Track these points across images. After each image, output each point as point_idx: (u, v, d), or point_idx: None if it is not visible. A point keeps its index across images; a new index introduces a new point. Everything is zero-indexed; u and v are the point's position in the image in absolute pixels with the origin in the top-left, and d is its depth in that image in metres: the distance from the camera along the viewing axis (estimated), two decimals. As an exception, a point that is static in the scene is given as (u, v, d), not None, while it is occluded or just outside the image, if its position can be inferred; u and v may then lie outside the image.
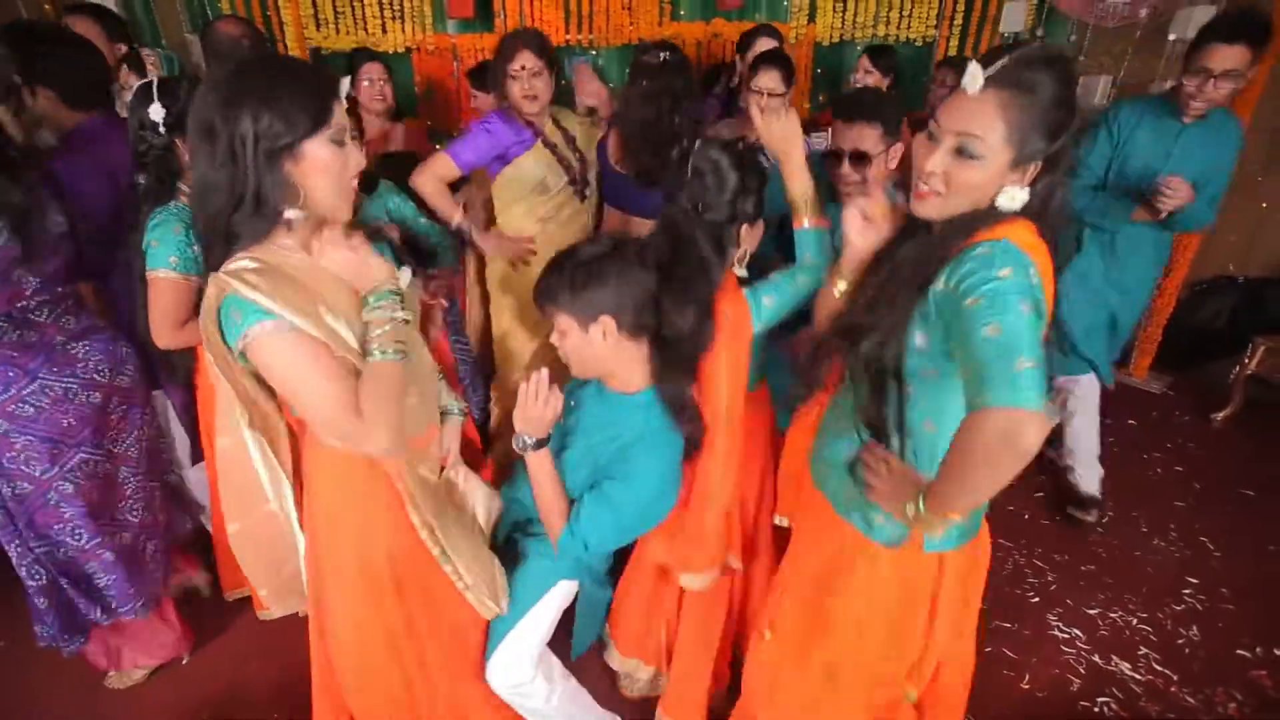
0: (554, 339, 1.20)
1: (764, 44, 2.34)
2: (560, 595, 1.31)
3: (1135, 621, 1.93)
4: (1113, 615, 1.95)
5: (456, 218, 1.91)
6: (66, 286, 1.45)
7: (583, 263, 1.15)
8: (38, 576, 1.48)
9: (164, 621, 1.73)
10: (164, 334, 1.45)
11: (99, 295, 1.85)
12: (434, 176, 1.88)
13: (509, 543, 1.38)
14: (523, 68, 1.81)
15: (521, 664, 1.28)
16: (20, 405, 1.38)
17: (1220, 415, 2.87)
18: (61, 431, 1.43)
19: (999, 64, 0.82)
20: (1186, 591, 2.03)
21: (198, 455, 1.90)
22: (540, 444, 1.20)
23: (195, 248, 1.39)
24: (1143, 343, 3.17)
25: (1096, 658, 1.83)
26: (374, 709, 1.25)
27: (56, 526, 1.48)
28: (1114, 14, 2.72)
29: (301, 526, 1.17)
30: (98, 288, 1.83)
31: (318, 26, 3.11)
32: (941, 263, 0.87)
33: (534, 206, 1.99)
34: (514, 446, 1.22)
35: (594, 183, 2.09)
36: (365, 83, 2.35)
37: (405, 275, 1.15)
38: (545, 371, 1.18)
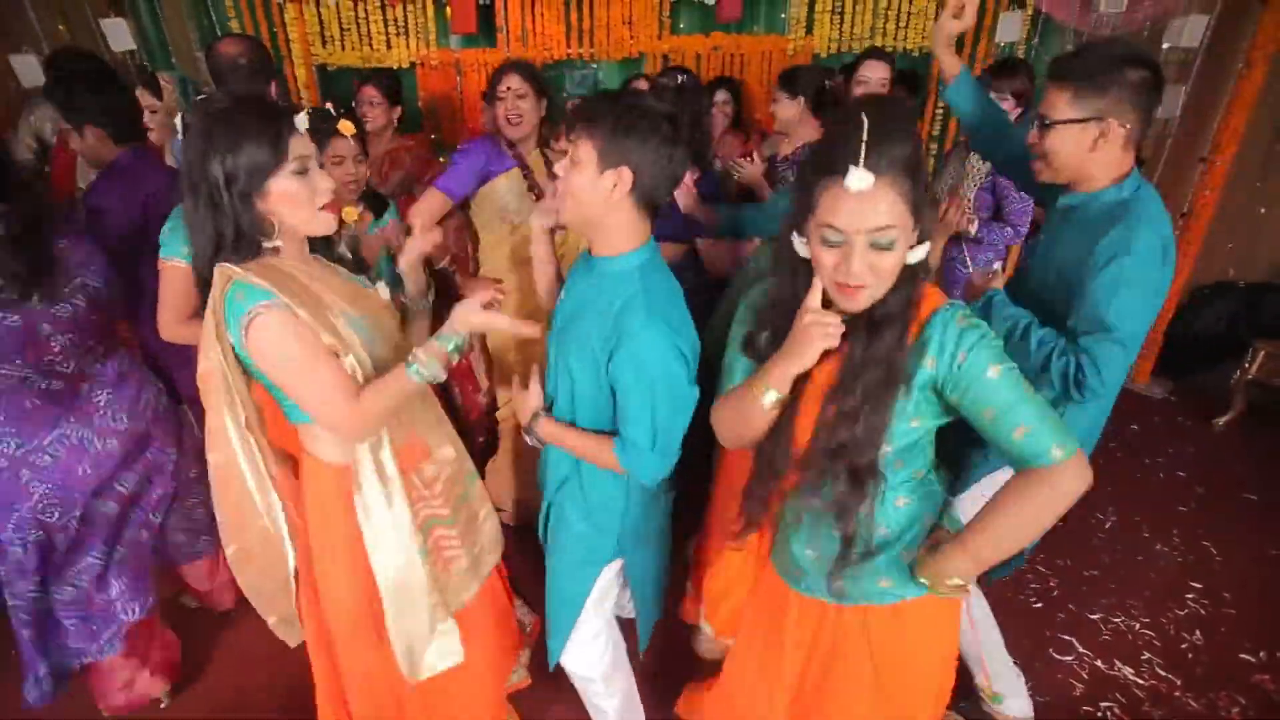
0: (560, 167, 1.09)
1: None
2: (607, 580, 1.30)
3: (1138, 626, 1.93)
4: (1115, 620, 1.95)
5: (443, 261, 1.97)
6: (98, 335, 1.47)
7: (641, 110, 1.05)
8: (27, 624, 1.49)
9: (133, 658, 1.66)
10: (169, 326, 1.46)
11: (130, 325, 1.90)
12: (427, 213, 1.93)
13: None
14: (508, 89, 1.86)
15: (590, 654, 1.35)
16: (41, 455, 1.40)
17: (1222, 420, 2.87)
18: (77, 480, 1.45)
19: (873, 158, 0.82)
20: (1189, 596, 2.03)
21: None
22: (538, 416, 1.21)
23: None
24: (1144, 348, 3.18)
25: (1099, 663, 1.82)
26: (363, 674, 1.29)
27: (67, 571, 1.51)
28: (1108, 23, 2.75)
29: (292, 541, 1.20)
30: (128, 318, 1.88)
31: (324, 44, 3.17)
32: (904, 357, 0.90)
33: (502, 236, 2.02)
34: (528, 443, 1.24)
35: None
36: (360, 102, 2.41)
37: (383, 291, 1.22)
38: (534, 368, 1.23)
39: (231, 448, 1.10)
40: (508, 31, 3.11)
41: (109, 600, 1.56)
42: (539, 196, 2.00)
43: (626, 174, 1.04)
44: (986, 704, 1.62)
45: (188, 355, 1.58)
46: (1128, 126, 1.19)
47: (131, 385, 1.53)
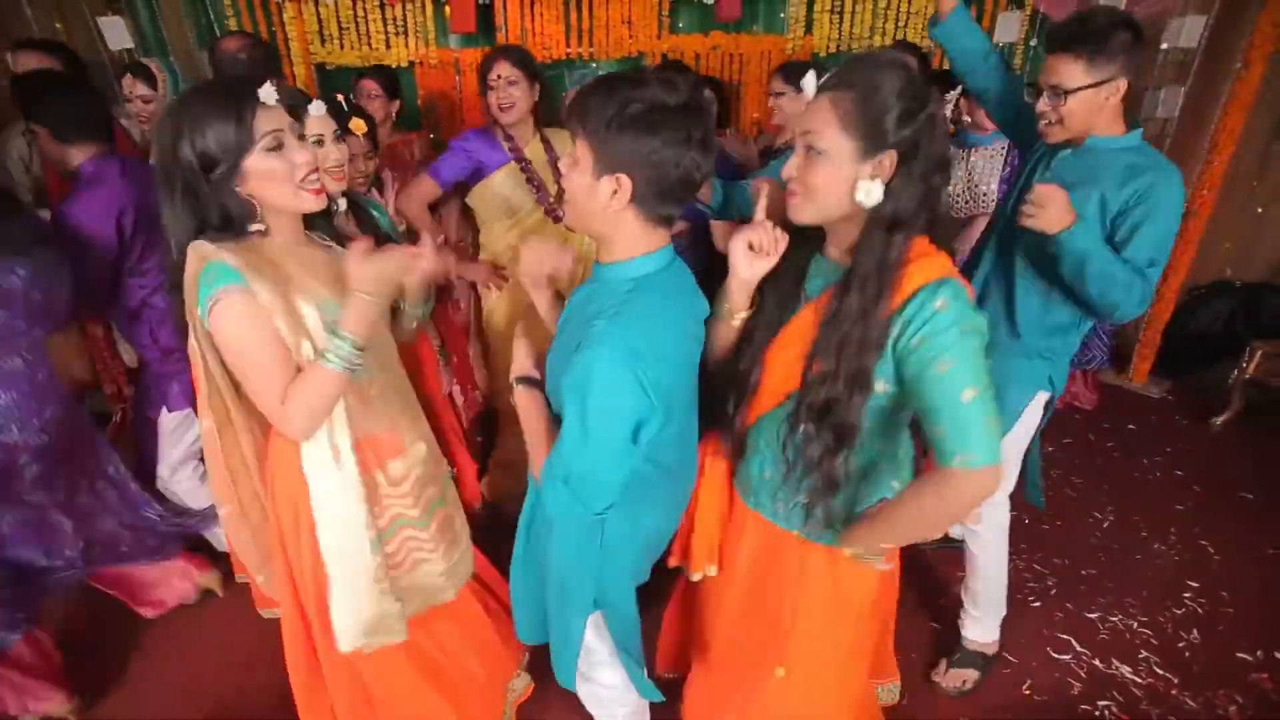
0: (563, 163, 0.97)
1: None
2: (592, 633, 1.18)
3: (1136, 625, 1.94)
4: (1113, 619, 1.96)
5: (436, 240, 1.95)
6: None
7: (644, 102, 0.87)
8: None
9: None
10: None
11: (108, 330, 1.90)
12: (418, 197, 1.93)
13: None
14: (499, 77, 1.86)
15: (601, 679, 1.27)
16: (40, 435, 1.41)
17: (1219, 419, 2.88)
18: (64, 457, 1.47)
19: (831, 78, 0.91)
20: (1187, 595, 2.04)
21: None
22: (529, 382, 1.07)
23: None
24: (1142, 347, 3.18)
25: (1097, 661, 1.83)
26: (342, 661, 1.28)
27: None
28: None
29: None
30: (106, 323, 1.88)
31: (322, 42, 3.16)
32: (886, 320, 0.90)
33: (506, 228, 2.02)
34: (512, 402, 1.13)
35: None
36: (360, 96, 2.40)
37: None
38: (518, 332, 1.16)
39: (217, 414, 1.14)
40: (507, 31, 3.10)
41: None
42: (539, 188, 1.99)
43: (626, 182, 0.89)
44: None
45: (186, 365, 1.60)
46: (1128, 81, 1.33)
47: (23, 384, 1.44)
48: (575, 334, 0.96)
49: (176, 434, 1.88)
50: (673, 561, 1.29)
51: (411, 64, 3.18)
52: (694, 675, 1.44)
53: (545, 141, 1.99)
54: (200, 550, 2.00)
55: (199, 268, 1.00)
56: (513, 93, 1.86)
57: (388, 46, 3.15)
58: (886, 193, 0.88)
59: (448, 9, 3.07)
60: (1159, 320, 3.11)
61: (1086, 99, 1.32)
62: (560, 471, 0.93)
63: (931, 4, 3.15)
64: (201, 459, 1.92)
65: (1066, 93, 1.32)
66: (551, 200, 1.98)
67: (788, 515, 1.10)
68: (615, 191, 0.90)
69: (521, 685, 1.60)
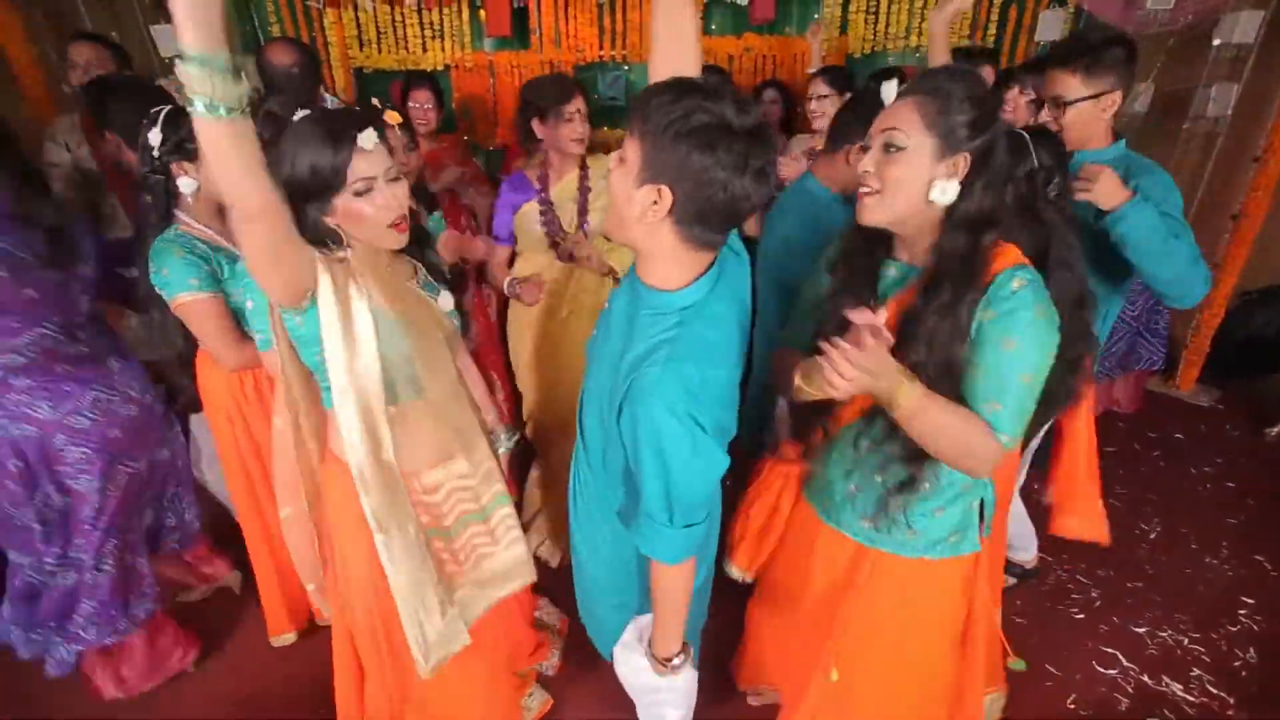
0: (613, 160, 0.91)
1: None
2: (644, 628, 1.17)
3: (1187, 641, 1.87)
4: (1162, 634, 1.89)
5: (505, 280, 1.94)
6: (98, 308, 1.54)
7: (707, 117, 0.81)
8: (58, 585, 1.52)
9: (159, 637, 1.72)
10: (227, 354, 1.47)
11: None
12: (498, 267, 1.96)
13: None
14: (578, 111, 1.80)
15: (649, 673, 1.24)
16: (77, 418, 1.43)
17: (1274, 430, 2.76)
18: (110, 443, 1.49)
19: (910, 84, 0.97)
20: (1242, 612, 1.96)
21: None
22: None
23: (208, 267, 1.43)
24: (1190, 353, 3.08)
25: (1146, 678, 1.76)
26: (375, 668, 1.29)
27: (78, 541, 1.52)
28: (1153, 21, 2.67)
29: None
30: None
31: (360, 47, 3.23)
32: (965, 311, 0.93)
33: (546, 259, 1.97)
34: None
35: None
36: (414, 105, 2.44)
37: (445, 301, 1.22)
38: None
39: (291, 414, 1.15)
40: (541, 34, 3.14)
41: (76, 617, 1.56)
42: (550, 226, 1.91)
43: (667, 194, 0.84)
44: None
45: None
46: (1121, 93, 1.42)
47: (134, 363, 1.58)
48: (613, 360, 0.96)
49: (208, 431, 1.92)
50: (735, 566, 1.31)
51: (447, 67, 3.23)
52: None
53: (584, 170, 1.93)
54: (226, 551, 2.02)
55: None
56: (586, 128, 1.83)
57: (424, 50, 3.20)
58: (961, 192, 0.92)
59: (483, 13, 3.11)
60: (1208, 326, 3.00)
61: (1084, 110, 1.43)
62: (660, 516, 0.94)
63: (968, 5, 3.09)
64: None
65: (1066, 104, 1.43)
66: (560, 238, 1.92)
67: (862, 528, 1.12)
68: (655, 203, 0.85)
69: (538, 703, 1.59)
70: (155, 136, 1.41)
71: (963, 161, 0.91)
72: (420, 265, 1.24)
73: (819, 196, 1.55)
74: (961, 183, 0.92)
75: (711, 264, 0.94)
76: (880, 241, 1.04)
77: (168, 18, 2.75)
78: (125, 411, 1.51)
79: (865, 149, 0.98)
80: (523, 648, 1.58)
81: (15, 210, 1.31)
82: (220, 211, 1.51)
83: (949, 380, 0.94)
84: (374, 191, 1.04)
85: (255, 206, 0.86)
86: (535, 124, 1.83)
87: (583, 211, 1.90)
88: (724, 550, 1.31)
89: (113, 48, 2.19)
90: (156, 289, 1.43)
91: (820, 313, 1.08)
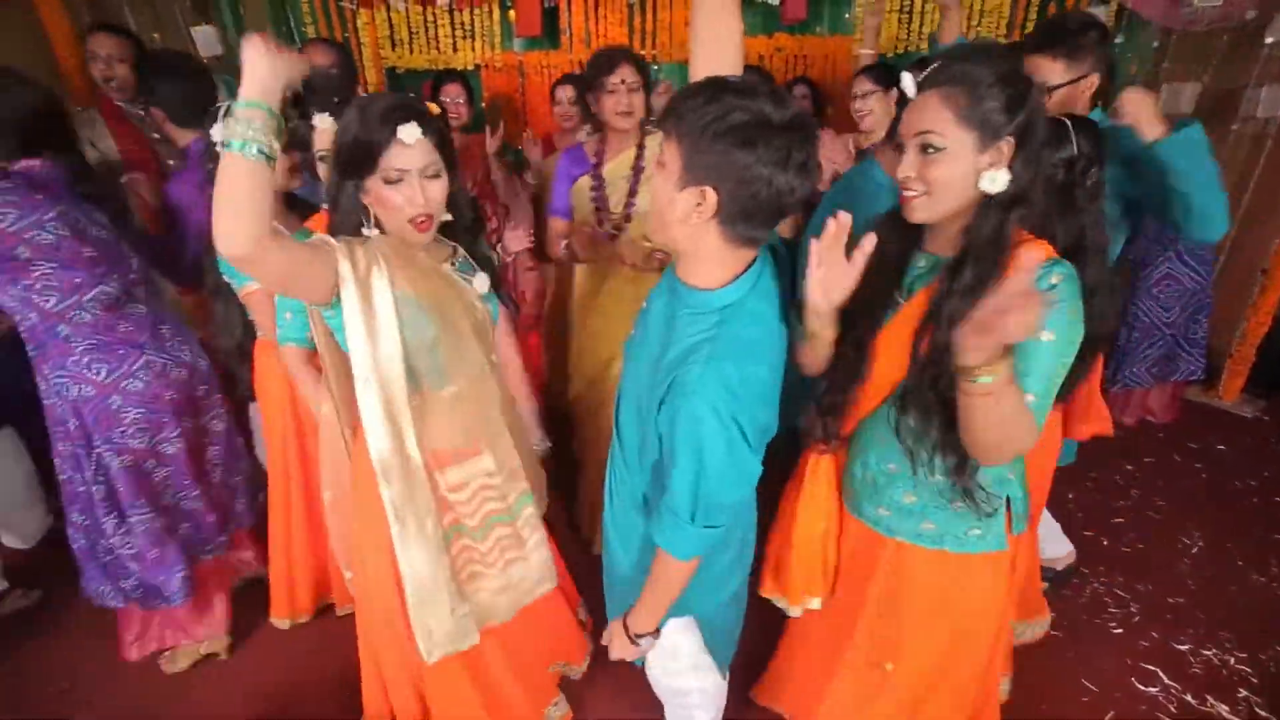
0: (653, 166, 0.91)
1: None
2: (680, 624, 1.18)
3: (1233, 661, 1.80)
4: (1206, 653, 1.82)
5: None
6: (148, 273, 1.63)
7: (746, 114, 0.80)
8: (126, 545, 1.58)
9: (206, 606, 1.78)
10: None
11: (199, 305, 2.00)
12: (555, 240, 1.95)
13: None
14: (622, 81, 1.75)
15: (681, 677, 1.25)
16: (131, 380, 1.50)
17: (1324, 443, 2.66)
18: (165, 404, 1.56)
19: (929, 69, 0.91)
20: (1292, 632, 1.88)
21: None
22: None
23: None
24: (1234, 363, 2.97)
25: (1189, 697, 1.70)
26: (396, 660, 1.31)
27: (151, 490, 1.60)
28: (1202, 18, 2.59)
29: None
30: (199, 298, 1.97)
31: (393, 47, 3.27)
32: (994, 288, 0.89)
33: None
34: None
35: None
36: (445, 99, 2.46)
37: (482, 282, 1.21)
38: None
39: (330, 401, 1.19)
40: (571, 34, 3.15)
41: (141, 563, 1.63)
42: (599, 208, 1.90)
43: (711, 196, 0.83)
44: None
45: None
46: (1099, 75, 1.45)
47: (183, 328, 1.66)
48: (652, 359, 0.96)
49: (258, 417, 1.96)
50: (764, 591, 1.26)
51: (477, 67, 3.26)
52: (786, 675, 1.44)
53: (640, 148, 1.88)
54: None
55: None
56: (634, 100, 1.77)
57: (455, 50, 3.23)
58: (1010, 177, 0.88)
59: (513, 13, 3.13)
60: (1254, 335, 2.89)
61: (1065, 94, 1.45)
62: (684, 513, 0.95)
63: (1007, 2, 3.04)
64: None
65: (1051, 89, 1.45)
66: (613, 216, 1.91)
67: (881, 517, 1.12)
68: (699, 205, 0.84)
69: (559, 714, 1.58)
70: (218, 132, 1.46)
71: (1006, 146, 0.88)
72: (459, 248, 1.24)
73: (882, 184, 1.55)
74: (1009, 166, 0.88)
75: (753, 262, 0.94)
76: (912, 233, 1.01)
77: (208, 19, 2.81)
78: (176, 374, 1.60)
79: (899, 148, 0.95)
80: (562, 643, 1.56)
81: (74, 185, 1.44)
82: (283, 202, 1.58)
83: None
84: (404, 184, 1.06)
85: (240, 251, 0.87)
86: (588, 96, 1.86)
87: (632, 192, 1.87)
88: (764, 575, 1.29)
89: (133, 39, 2.20)
90: (225, 278, 1.51)
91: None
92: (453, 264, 1.22)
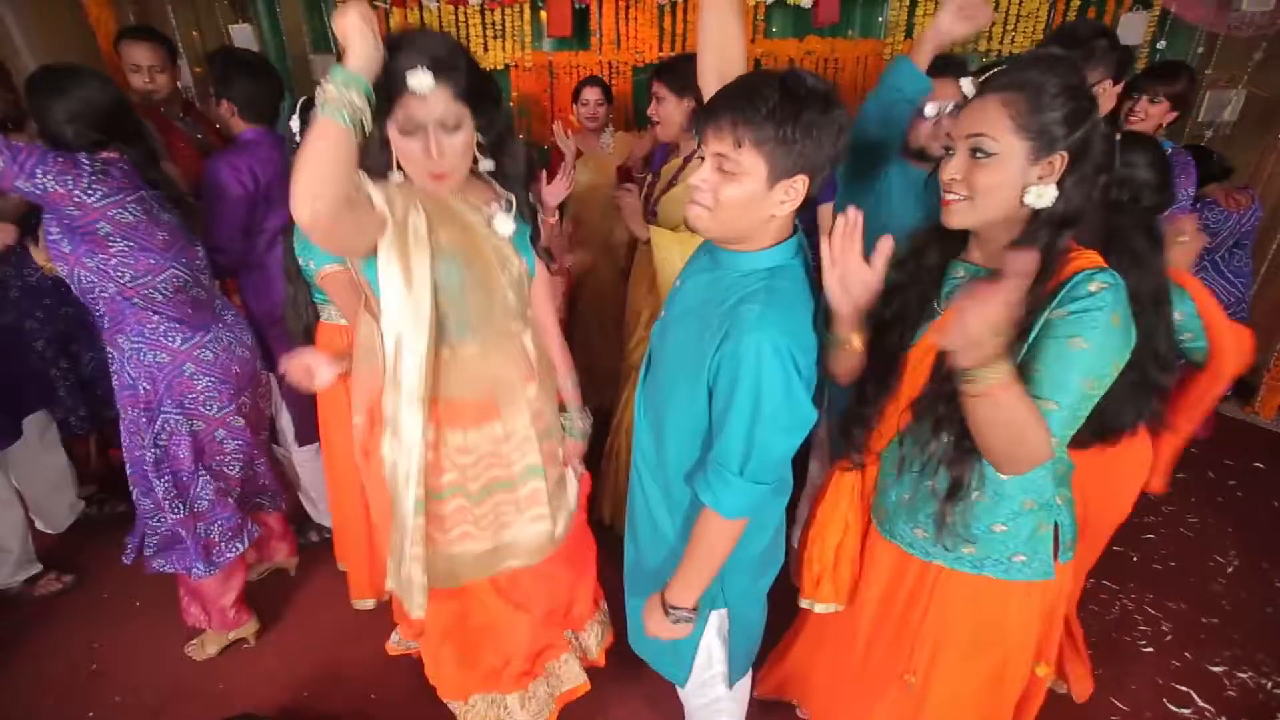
0: (705, 172, 0.92)
1: None
2: (714, 627, 1.19)
3: (1270, 685, 1.75)
4: (1242, 675, 1.78)
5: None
6: (210, 261, 1.70)
7: (812, 100, 0.86)
8: (175, 510, 1.62)
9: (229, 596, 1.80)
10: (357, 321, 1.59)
11: (230, 286, 2.05)
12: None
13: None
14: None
15: (713, 687, 1.26)
16: (203, 350, 1.60)
17: (1366, 463, 2.58)
18: (233, 376, 1.66)
19: (996, 78, 0.88)
20: (1331, 657, 1.83)
21: (303, 437, 2.04)
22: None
23: None
24: (1271, 379, 2.89)
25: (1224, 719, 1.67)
26: None
27: (218, 459, 1.70)
28: (1249, 24, 2.53)
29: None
30: (231, 280, 2.02)
31: (425, 46, 3.30)
32: (1036, 304, 0.87)
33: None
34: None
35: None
36: None
37: (503, 224, 1.15)
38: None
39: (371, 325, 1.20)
40: (601, 35, 3.16)
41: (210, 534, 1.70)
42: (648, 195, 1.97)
43: (802, 181, 0.90)
44: None
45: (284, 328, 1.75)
46: (1112, 82, 1.49)
47: (239, 316, 1.76)
48: (702, 323, 0.96)
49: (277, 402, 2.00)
50: (794, 576, 1.27)
51: (506, 67, 3.28)
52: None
53: (685, 160, 1.93)
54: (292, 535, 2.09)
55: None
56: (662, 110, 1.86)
57: (485, 50, 3.25)
58: (1057, 194, 0.86)
59: (544, 14, 3.15)
60: (1294, 350, 2.82)
61: None
62: (733, 463, 0.94)
63: (1044, 6, 2.99)
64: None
65: None
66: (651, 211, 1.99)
67: (917, 539, 1.08)
68: (789, 194, 0.91)
69: (569, 675, 1.53)
70: (295, 124, 1.54)
71: (1059, 160, 0.85)
72: (503, 192, 1.19)
73: (894, 185, 1.56)
74: (1058, 183, 0.86)
75: (798, 233, 1.00)
76: (953, 241, 0.99)
77: (245, 18, 2.87)
78: (240, 352, 1.70)
79: (948, 151, 0.92)
80: (576, 607, 1.54)
81: (146, 176, 1.53)
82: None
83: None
84: (419, 136, 1.01)
85: (322, 213, 0.87)
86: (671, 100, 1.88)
87: (660, 192, 1.92)
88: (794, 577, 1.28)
89: (166, 43, 2.17)
90: (301, 260, 1.57)
91: (875, 307, 1.03)
92: (498, 205, 1.17)
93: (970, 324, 0.74)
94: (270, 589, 2.04)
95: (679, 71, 1.79)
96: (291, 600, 2.02)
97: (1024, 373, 0.87)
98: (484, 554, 1.28)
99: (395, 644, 1.68)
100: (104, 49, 2.68)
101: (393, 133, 1.02)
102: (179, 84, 2.36)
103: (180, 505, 1.62)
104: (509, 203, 1.17)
